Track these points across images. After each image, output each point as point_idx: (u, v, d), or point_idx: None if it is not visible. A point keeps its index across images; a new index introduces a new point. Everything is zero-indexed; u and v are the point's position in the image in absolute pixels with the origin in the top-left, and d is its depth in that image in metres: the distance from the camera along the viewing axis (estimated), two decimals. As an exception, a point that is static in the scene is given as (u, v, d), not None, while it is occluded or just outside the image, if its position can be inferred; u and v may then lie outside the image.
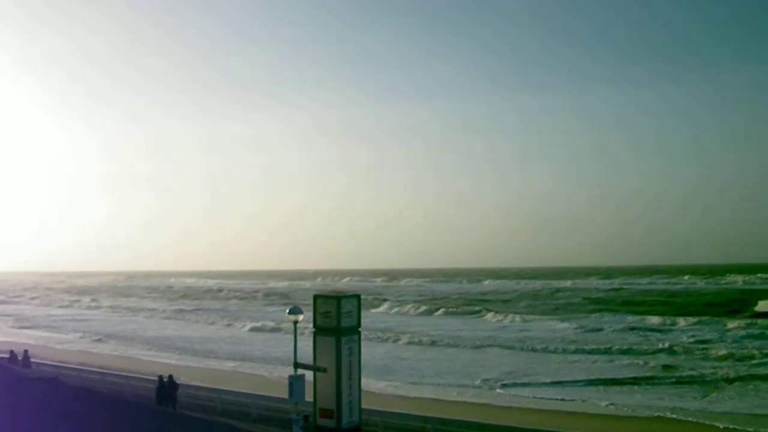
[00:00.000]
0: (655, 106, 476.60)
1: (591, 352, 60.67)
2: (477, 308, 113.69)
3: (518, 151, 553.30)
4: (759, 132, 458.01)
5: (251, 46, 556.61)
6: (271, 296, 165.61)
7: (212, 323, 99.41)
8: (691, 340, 66.84)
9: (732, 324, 77.72)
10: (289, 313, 24.35)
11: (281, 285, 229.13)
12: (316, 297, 23.59)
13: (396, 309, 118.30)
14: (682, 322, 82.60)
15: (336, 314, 22.57)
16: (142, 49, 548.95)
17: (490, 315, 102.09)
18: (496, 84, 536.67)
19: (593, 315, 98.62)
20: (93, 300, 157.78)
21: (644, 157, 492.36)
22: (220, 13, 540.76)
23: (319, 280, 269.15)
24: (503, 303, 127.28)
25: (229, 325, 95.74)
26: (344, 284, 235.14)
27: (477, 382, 46.84)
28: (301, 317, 23.99)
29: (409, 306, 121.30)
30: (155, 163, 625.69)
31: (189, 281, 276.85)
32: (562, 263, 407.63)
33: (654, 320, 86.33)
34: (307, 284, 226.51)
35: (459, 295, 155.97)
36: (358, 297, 24.06)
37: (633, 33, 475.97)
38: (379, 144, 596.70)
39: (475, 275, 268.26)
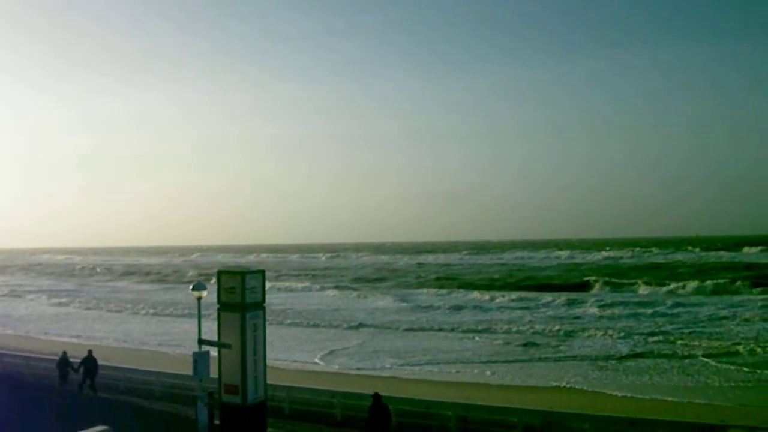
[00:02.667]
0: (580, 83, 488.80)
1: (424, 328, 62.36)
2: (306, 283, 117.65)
3: (431, 129, 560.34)
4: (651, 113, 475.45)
5: (144, 29, 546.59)
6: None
7: None
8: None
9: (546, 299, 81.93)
10: (193, 289, 24.09)
11: (151, 261, 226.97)
12: (220, 272, 23.36)
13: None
14: (499, 297, 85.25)
15: (240, 290, 22.39)
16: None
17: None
18: (412, 63, 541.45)
19: (430, 290, 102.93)
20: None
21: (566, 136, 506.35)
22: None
23: (195, 256, 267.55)
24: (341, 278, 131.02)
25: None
26: (220, 259, 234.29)
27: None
28: (204, 293, 23.76)
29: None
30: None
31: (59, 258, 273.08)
32: (481, 237, 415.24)
33: (477, 296, 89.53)
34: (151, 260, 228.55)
35: (302, 269, 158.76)
36: (262, 273, 23.90)
37: (547, 15, 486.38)
38: (279, 121, 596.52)
39: (365, 250, 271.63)
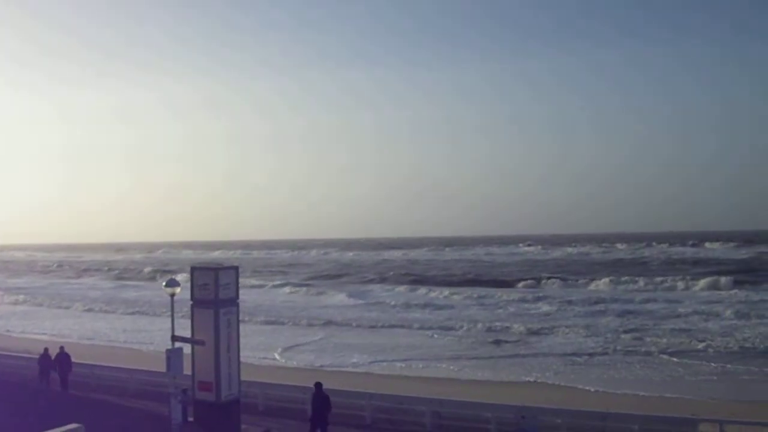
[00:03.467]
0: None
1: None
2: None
3: (409, 123, 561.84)
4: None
5: (120, 18, 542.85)
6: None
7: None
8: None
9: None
10: (166, 285, 23.97)
11: (115, 258, 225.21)
12: (193, 269, 23.26)
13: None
14: (455, 295, 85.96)
15: (214, 286, 22.31)
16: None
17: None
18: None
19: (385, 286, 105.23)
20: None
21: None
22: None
23: (160, 252, 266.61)
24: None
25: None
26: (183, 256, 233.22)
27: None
28: (177, 290, 23.64)
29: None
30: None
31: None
32: (456, 233, 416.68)
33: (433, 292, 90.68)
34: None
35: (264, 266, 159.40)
36: (236, 269, 23.83)
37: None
38: (238, 118, 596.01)
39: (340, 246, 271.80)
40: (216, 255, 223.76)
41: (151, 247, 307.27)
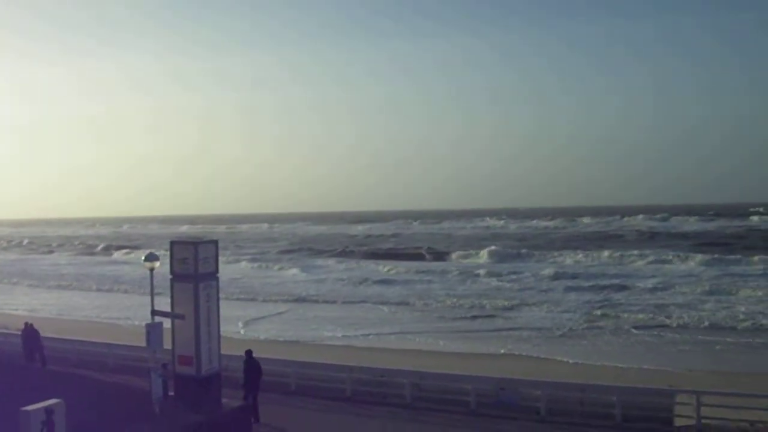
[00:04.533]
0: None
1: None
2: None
3: (386, 99, 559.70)
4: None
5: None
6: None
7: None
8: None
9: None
10: (145, 260, 23.88)
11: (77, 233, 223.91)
12: (173, 243, 23.14)
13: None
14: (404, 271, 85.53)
15: (193, 260, 22.23)
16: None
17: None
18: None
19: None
20: None
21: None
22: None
23: (126, 227, 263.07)
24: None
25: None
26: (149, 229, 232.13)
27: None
28: (157, 264, 23.57)
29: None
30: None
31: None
32: (433, 206, 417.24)
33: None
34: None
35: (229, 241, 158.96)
36: (215, 243, 23.76)
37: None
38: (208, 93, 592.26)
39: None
40: (184, 229, 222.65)
41: (117, 222, 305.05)
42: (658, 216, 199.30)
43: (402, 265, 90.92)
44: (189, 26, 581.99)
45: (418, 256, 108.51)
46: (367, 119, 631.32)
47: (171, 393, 23.01)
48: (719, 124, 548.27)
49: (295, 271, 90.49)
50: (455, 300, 59.96)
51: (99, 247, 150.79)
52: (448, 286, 69.71)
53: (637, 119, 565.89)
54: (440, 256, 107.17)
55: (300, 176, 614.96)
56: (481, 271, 79.81)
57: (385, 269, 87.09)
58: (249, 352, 24.95)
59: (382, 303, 59.93)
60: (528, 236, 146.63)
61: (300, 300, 63.65)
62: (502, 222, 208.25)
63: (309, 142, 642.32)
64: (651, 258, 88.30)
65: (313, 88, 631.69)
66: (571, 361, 35.75)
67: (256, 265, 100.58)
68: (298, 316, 54.32)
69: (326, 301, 62.79)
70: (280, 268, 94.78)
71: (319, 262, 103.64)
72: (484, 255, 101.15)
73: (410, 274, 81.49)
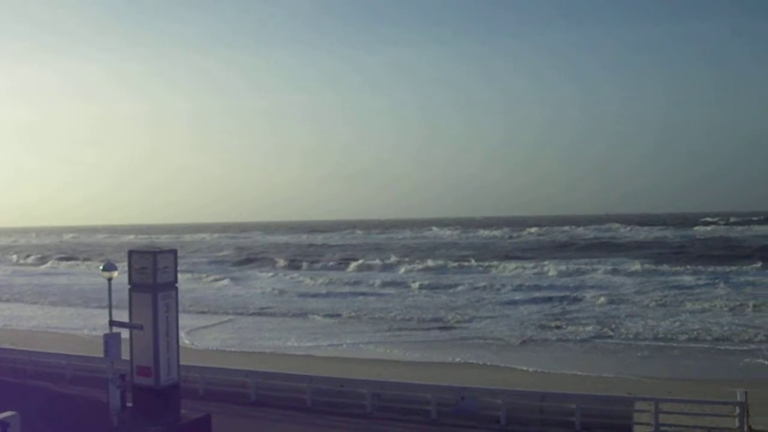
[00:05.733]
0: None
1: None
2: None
3: (342, 107, 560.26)
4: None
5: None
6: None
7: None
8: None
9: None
10: (103, 269, 23.63)
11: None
12: (131, 252, 22.92)
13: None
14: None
15: (152, 270, 22.02)
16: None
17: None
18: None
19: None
20: None
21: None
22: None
23: (69, 237, 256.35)
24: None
25: None
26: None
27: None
28: (115, 274, 23.33)
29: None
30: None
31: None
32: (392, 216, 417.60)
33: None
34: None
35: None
36: (174, 252, 23.57)
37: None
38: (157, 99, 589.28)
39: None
40: (130, 239, 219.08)
41: (59, 231, 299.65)
42: (605, 226, 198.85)
43: (331, 275, 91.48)
44: (133, 30, 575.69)
45: (345, 266, 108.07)
46: (327, 128, 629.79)
47: (129, 404, 22.77)
48: (685, 135, 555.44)
49: (226, 281, 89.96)
50: (403, 311, 59.63)
51: (40, 257, 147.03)
52: (385, 299, 68.95)
53: (604, 129, 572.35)
54: (371, 267, 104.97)
55: (256, 185, 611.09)
56: (416, 283, 79.06)
57: (316, 281, 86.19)
58: None
59: (324, 315, 59.24)
60: (470, 246, 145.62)
61: (227, 310, 63.15)
62: (448, 231, 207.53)
63: (265, 150, 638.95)
64: (600, 268, 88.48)
65: (268, 96, 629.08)
66: (530, 370, 35.97)
67: (189, 275, 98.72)
68: (239, 326, 54.39)
69: (259, 314, 61.96)
70: (214, 280, 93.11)
71: (254, 272, 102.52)
72: (417, 265, 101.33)
73: (339, 285, 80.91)
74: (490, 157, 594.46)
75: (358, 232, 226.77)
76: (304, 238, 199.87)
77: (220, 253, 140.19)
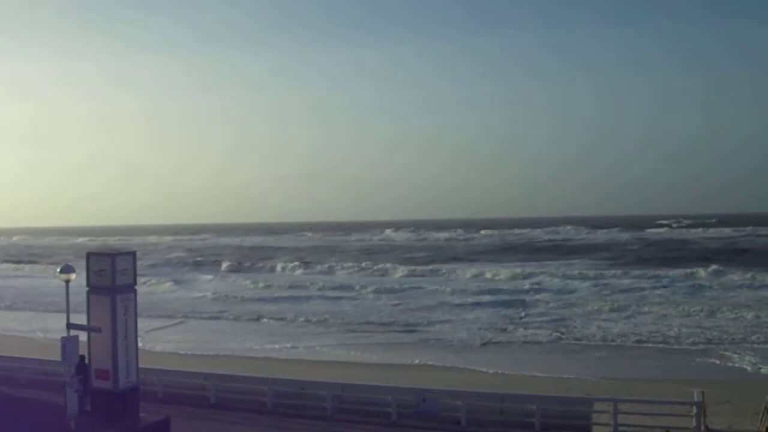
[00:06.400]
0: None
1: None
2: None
3: (300, 106, 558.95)
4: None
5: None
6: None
7: None
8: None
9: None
10: (61, 271, 23.33)
11: None
12: (89, 254, 22.68)
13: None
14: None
15: (110, 272, 21.82)
16: None
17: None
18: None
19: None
20: None
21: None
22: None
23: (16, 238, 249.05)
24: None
25: None
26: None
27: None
28: (73, 276, 23.03)
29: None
30: None
31: None
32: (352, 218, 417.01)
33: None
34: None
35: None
36: (133, 254, 23.37)
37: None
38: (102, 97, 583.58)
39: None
40: (82, 241, 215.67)
41: (9, 233, 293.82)
42: (559, 228, 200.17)
43: (270, 277, 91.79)
44: (80, 30, 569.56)
45: (296, 268, 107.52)
46: (286, 127, 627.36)
47: (87, 408, 22.52)
48: (621, 137, 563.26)
49: (168, 285, 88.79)
50: (357, 315, 59.43)
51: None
52: (338, 303, 68.18)
53: (575, 132, 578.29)
54: (320, 270, 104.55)
55: (212, 186, 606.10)
56: (367, 288, 77.43)
57: (257, 285, 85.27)
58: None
59: (273, 319, 58.96)
60: (424, 248, 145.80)
61: (177, 313, 62.75)
62: (403, 234, 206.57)
63: (222, 149, 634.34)
64: (554, 270, 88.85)
65: (224, 94, 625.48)
66: (490, 371, 36.17)
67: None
68: (190, 327, 54.36)
69: (206, 317, 61.36)
70: (157, 283, 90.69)
71: (197, 275, 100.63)
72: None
73: (283, 289, 80.00)
74: (455, 159, 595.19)
75: (308, 234, 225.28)
76: (259, 240, 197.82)
77: (168, 256, 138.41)
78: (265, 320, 58.29)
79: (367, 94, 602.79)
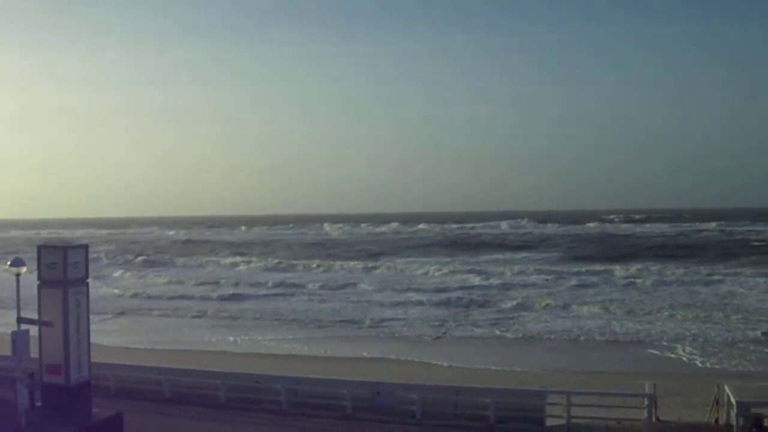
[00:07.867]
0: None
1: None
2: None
3: (252, 100, 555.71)
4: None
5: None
6: None
7: None
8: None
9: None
10: (11, 265, 22.98)
11: None
12: (40, 247, 22.32)
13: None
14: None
15: (62, 265, 21.49)
16: None
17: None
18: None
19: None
20: None
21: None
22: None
23: None
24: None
25: None
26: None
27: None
28: (23, 269, 22.70)
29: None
30: None
31: None
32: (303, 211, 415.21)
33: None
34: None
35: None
36: (85, 247, 23.04)
37: None
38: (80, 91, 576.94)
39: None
40: (48, 233, 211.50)
41: None
42: (493, 223, 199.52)
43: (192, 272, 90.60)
44: (62, 21, 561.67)
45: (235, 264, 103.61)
46: (232, 121, 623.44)
47: (38, 403, 22.19)
48: (584, 133, 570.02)
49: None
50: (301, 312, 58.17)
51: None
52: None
53: (540, 129, 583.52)
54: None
55: (156, 179, 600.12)
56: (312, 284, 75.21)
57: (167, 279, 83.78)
58: None
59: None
60: (360, 242, 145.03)
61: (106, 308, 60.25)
62: (339, 227, 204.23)
63: (165, 143, 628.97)
64: (503, 264, 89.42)
65: (170, 89, 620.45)
66: (445, 365, 36.33)
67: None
68: (128, 323, 53.73)
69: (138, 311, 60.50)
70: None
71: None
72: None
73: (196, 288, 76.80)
74: (408, 156, 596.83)
75: (243, 228, 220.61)
76: (195, 234, 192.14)
77: (96, 248, 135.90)
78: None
79: (316, 88, 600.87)
